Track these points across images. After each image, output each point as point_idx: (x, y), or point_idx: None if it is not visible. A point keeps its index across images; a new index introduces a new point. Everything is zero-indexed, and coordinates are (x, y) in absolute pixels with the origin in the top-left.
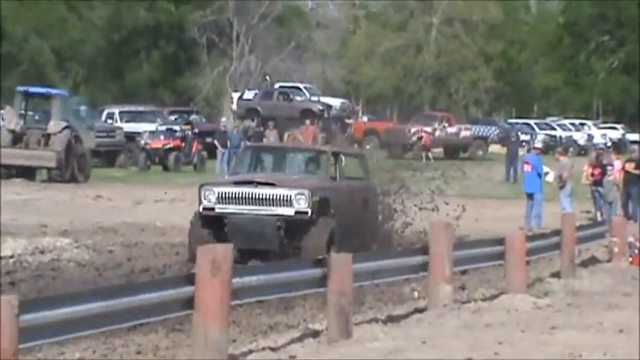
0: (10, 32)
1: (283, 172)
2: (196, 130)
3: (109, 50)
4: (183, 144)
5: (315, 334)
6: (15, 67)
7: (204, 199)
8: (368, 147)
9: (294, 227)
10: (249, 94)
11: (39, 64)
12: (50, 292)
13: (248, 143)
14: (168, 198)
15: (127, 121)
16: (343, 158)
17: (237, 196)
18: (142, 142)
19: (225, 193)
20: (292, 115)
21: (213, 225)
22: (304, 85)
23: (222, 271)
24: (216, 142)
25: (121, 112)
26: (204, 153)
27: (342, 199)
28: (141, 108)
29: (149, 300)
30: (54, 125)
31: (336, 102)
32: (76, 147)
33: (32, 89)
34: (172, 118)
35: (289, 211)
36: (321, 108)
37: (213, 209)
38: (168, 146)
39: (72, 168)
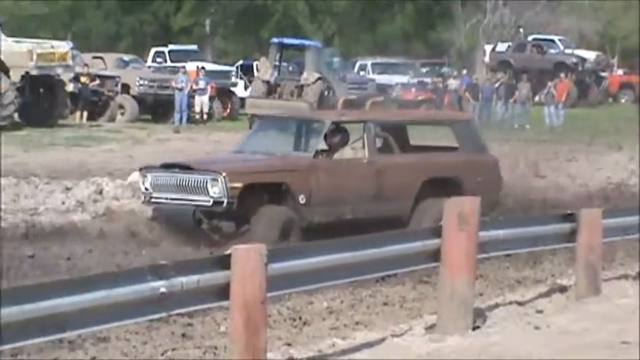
0: None
1: (286, 146)
2: (447, 83)
3: (362, 2)
4: (435, 96)
5: (563, 289)
6: (269, 18)
7: (142, 185)
8: (623, 101)
9: (220, 220)
10: (502, 47)
11: (293, 16)
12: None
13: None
14: None
15: (379, 73)
16: (372, 128)
17: (164, 182)
18: (394, 94)
19: (156, 179)
20: (545, 68)
21: None
22: (558, 37)
23: (469, 224)
24: (467, 94)
25: (373, 64)
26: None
27: (326, 181)
28: (393, 60)
29: (396, 252)
30: (307, 76)
31: (590, 55)
32: (329, 98)
33: (287, 41)
34: (424, 70)
35: (207, 201)
36: (575, 61)
37: (150, 198)
38: (419, 98)
39: None
